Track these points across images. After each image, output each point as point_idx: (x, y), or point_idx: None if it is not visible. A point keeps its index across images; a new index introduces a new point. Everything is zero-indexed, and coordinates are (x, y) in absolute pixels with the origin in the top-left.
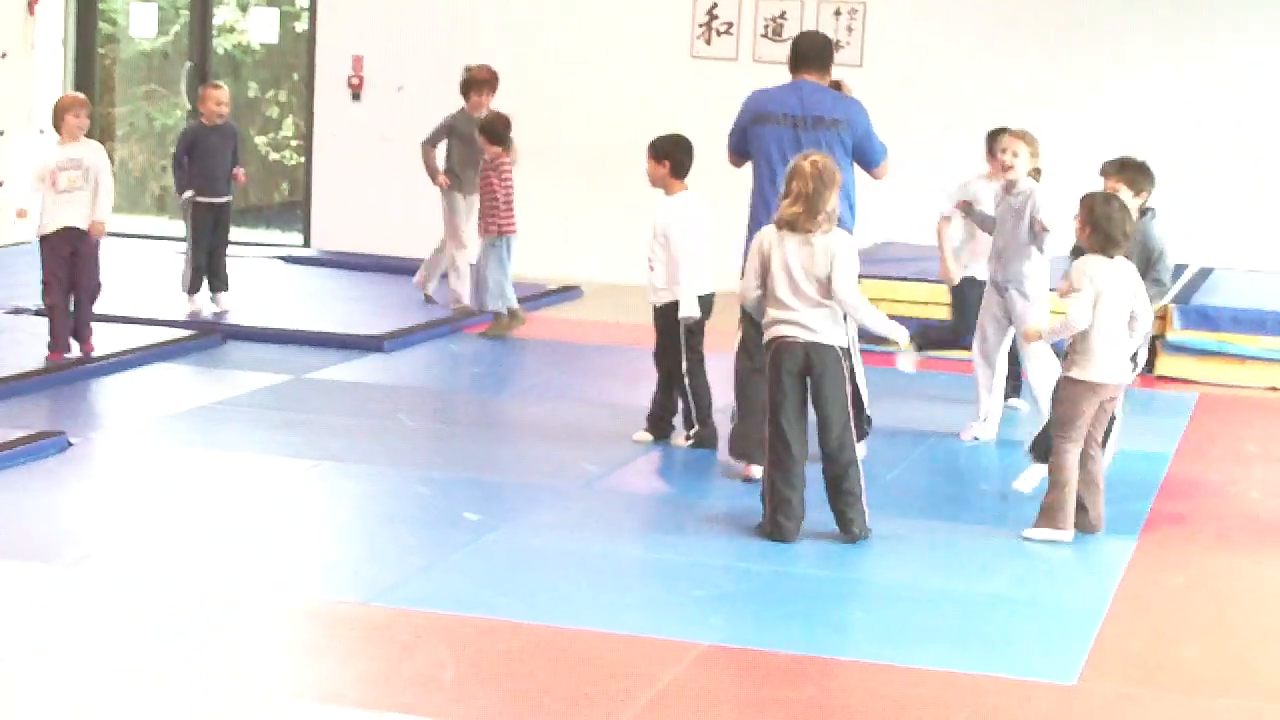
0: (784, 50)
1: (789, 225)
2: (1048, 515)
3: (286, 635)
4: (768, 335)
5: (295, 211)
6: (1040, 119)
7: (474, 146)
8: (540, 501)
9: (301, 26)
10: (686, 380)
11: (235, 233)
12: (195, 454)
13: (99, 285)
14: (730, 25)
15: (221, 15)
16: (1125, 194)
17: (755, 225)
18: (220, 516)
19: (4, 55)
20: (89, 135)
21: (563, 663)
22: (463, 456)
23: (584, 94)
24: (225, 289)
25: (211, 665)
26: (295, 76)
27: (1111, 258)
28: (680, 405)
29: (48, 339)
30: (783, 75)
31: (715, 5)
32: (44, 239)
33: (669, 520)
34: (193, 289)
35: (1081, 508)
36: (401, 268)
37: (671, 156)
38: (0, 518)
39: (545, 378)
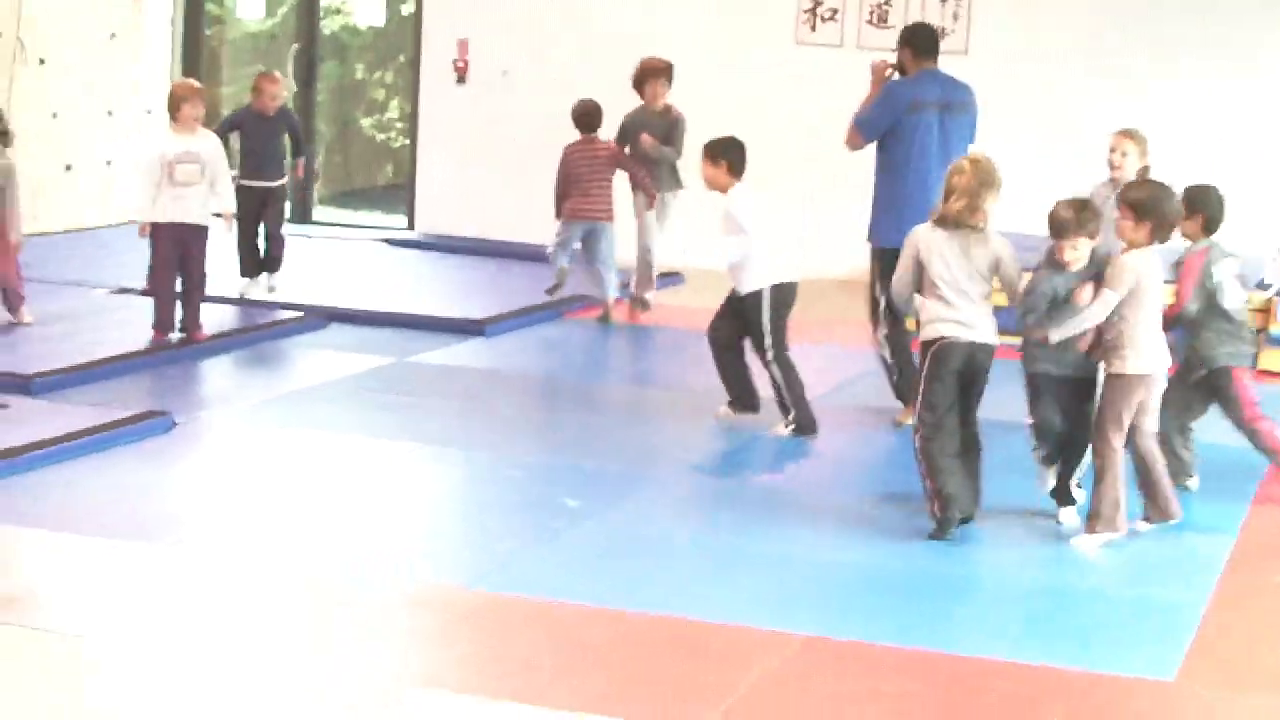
0: (889, 38)
1: (953, 222)
2: (1102, 518)
3: (386, 619)
4: (928, 334)
5: (399, 194)
6: (1144, 114)
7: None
8: (639, 488)
9: (408, 9)
10: (775, 368)
11: (340, 215)
12: (298, 436)
13: (205, 275)
14: (835, 12)
15: None
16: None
17: (894, 211)
18: (322, 499)
19: (113, 36)
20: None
21: (661, 650)
22: (563, 442)
23: (690, 79)
24: (276, 269)
25: (313, 648)
26: (401, 59)
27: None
28: (773, 393)
29: (152, 319)
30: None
31: None
32: (156, 227)
33: (767, 509)
34: (244, 272)
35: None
36: (504, 252)
37: (729, 156)
38: (106, 497)
39: (646, 364)
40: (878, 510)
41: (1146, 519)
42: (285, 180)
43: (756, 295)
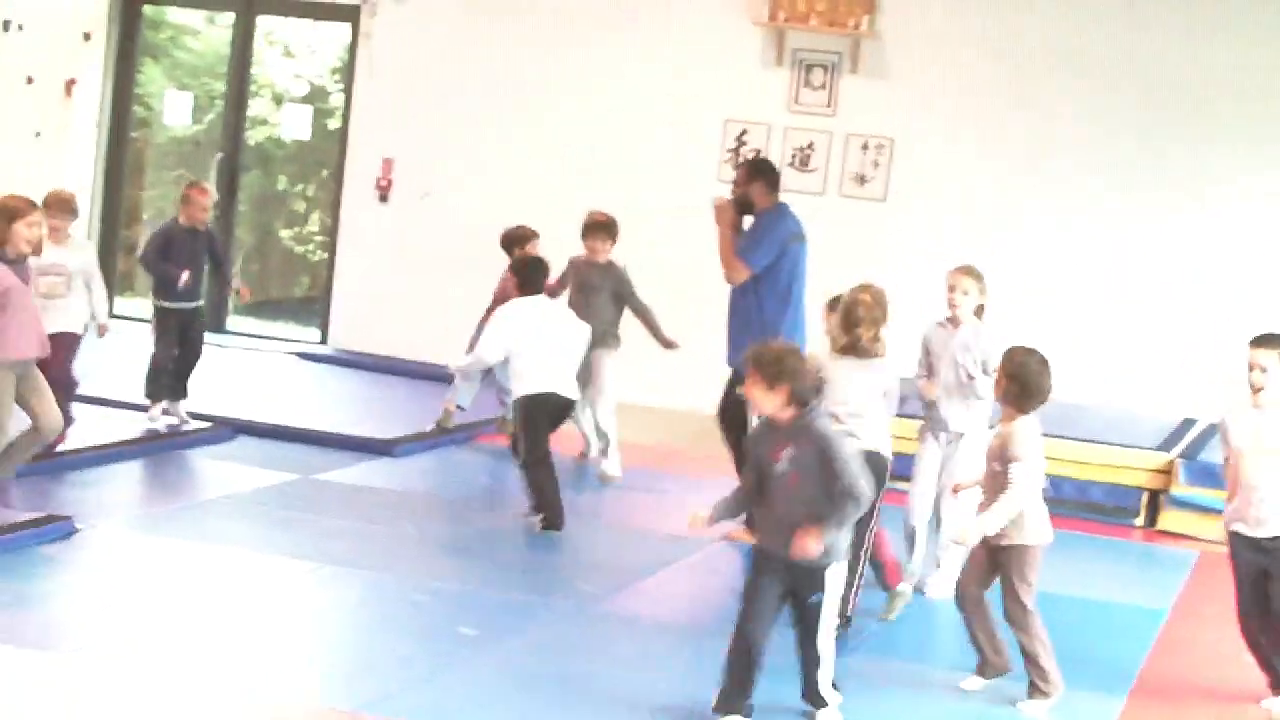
0: (812, 180)
1: (854, 351)
2: (1043, 683)
3: None
4: None
5: (314, 307)
6: (1062, 254)
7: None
8: (537, 619)
9: (334, 125)
10: (526, 473)
11: (254, 325)
12: (199, 549)
13: (74, 383)
14: (758, 152)
15: (256, 108)
16: None
17: (789, 338)
18: (217, 614)
19: (38, 134)
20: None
21: None
22: (465, 568)
23: (608, 208)
24: (185, 396)
25: None
26: (325, 173)
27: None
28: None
29: None
30: (806, 204)
31: (745, 132)
32: None
33: (665, 649)
34: (152, 394)
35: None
36: (417, 372)
37: (521, 274)
38: (3, 600)
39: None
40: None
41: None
42: (201, 303)
43: (518, 402)
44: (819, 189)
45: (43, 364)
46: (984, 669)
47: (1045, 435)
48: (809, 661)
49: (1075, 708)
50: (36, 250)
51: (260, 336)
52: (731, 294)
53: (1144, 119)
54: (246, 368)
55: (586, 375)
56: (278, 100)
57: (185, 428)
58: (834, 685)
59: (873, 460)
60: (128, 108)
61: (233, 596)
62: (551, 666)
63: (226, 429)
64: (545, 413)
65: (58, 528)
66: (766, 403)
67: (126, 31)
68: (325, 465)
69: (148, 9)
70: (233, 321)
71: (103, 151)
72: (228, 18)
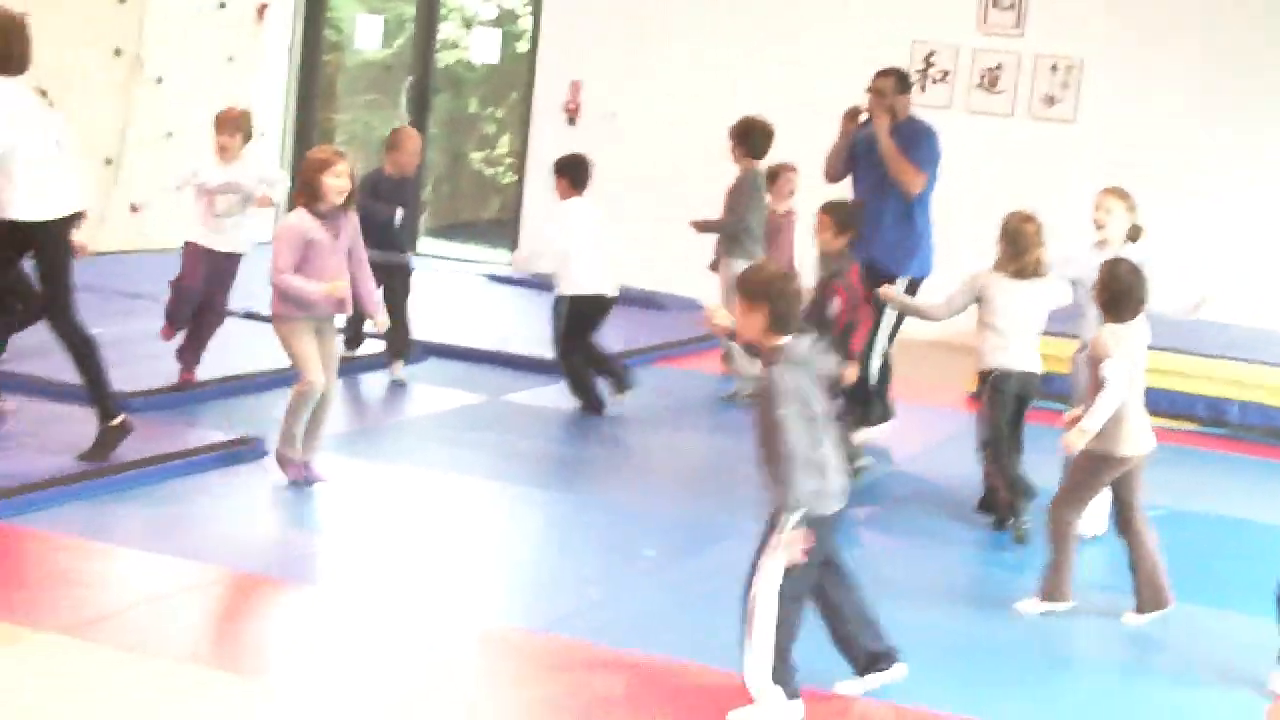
0: (999, 102)
1: (1021, 273)
2: (1049, 587)
3: (458, 660)
4: (990, 364)
5: (505, 229)
6: (1257, 175)
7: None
8: (722, 538)
9: (523, 48)
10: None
11: (446, 248)
12: (386, 469)
13: (225, 311)
14: (946, 74)
15: (445, 31)
16: None
17: (929, 243)
18: (404, 534)
19: (230, 59)
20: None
21: (733, 704)
22: (649, 487)
23: (793, 131)
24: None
25: (383, 686)
26: (514, 96)
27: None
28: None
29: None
30: (994, 125)
31: (932, 54)
32: (190, 245)
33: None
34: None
35: (1154, 584)
36: None
37: (568, 173)
38: (194, 522)
39: (744, 414)
40: (962, 577)
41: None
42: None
43: (560, 300)
44: (1007, 110)
45: (216, 286)
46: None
47: (1233, 359)
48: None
49: (1264, 635)
50: (348, 202)
51: (451, 259)
52: (863, 196)
53: None
54: (437, 289)
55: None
56: (467, 24)
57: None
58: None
59: (1027, 379)
60: (319, 32)
61: (420, 517)
62: (733, 588)
63: (418, 349)
64: (586, 313)
65: (247, 450)
66: (747, 325)
67: None
68: (514, 386)
69: None
70: (424, 244)
71: (294, 76)
72: None
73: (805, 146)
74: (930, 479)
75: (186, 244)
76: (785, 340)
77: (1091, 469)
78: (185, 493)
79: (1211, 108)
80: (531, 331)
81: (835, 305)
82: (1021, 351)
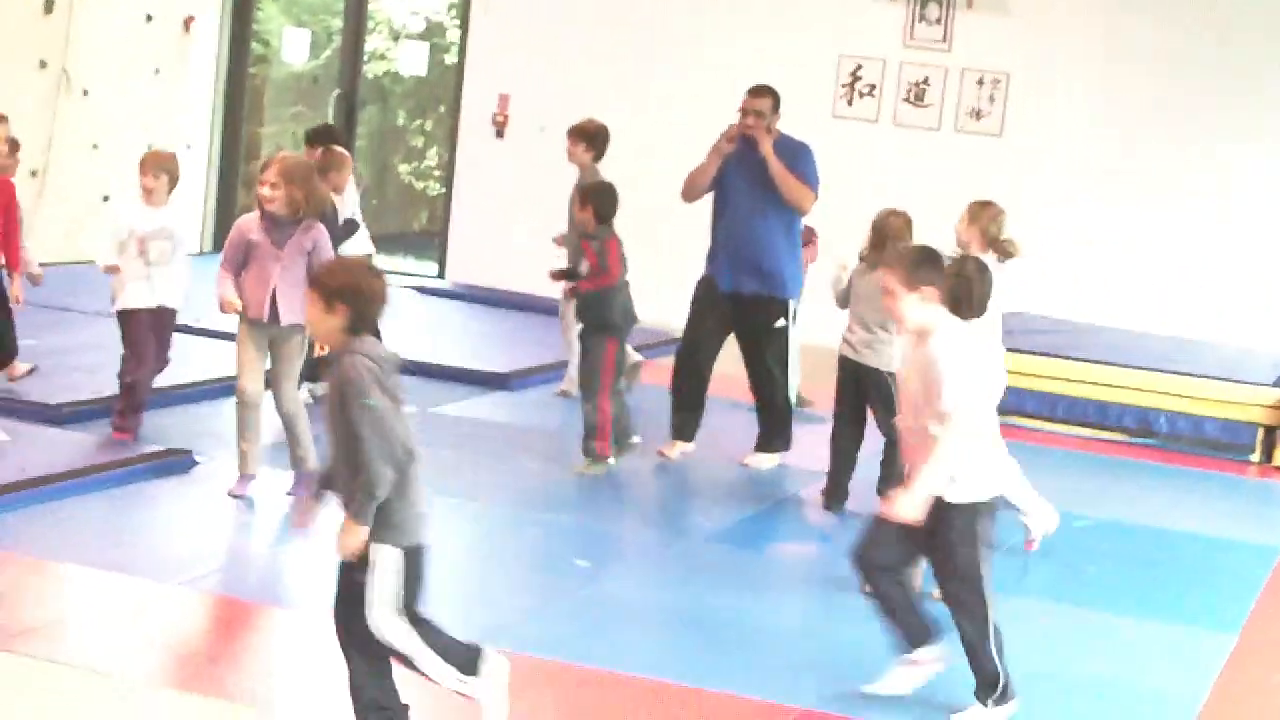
0: (925, 116)
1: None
2: None
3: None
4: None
5: (432, 241)
6: (1181, 189)
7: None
8: (650, 553)
9: (451, 60)
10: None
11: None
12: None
13: (166, 363)
14: (873, 88)
15: (373, 44)
16: None
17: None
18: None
19: (157, 71)
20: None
21: (661, 717)
22: (579, 501)
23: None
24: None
25: (310, 693)
26: (442, 109)
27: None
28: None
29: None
30: (921, 139)
31: (859, 67)
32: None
33: (776, 579)
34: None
35: None
36: (532, 305)
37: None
38: (126, 534)
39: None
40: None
41: None
42: None
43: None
44: (934, 124)
45: (157, 340)
46: None
47: (1160, 371)
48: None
49: (1187, 644)
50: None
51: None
52: (738, 219)
53: (1267, 53)
54: None
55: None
56: (395, 36)
57: None
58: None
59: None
60: (246, 44)
61: None
62: (665, 599)
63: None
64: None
65: (177, 462)
66: (321, 325)
67: None
68: (442, 398)
69: None
70: None
71: (221, 88)
72: None
73: None
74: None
75: (125, 316)
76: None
77: None
78: (114, 504)
79: (1136, 119)
80: (460, 343)
81: (584, 265)
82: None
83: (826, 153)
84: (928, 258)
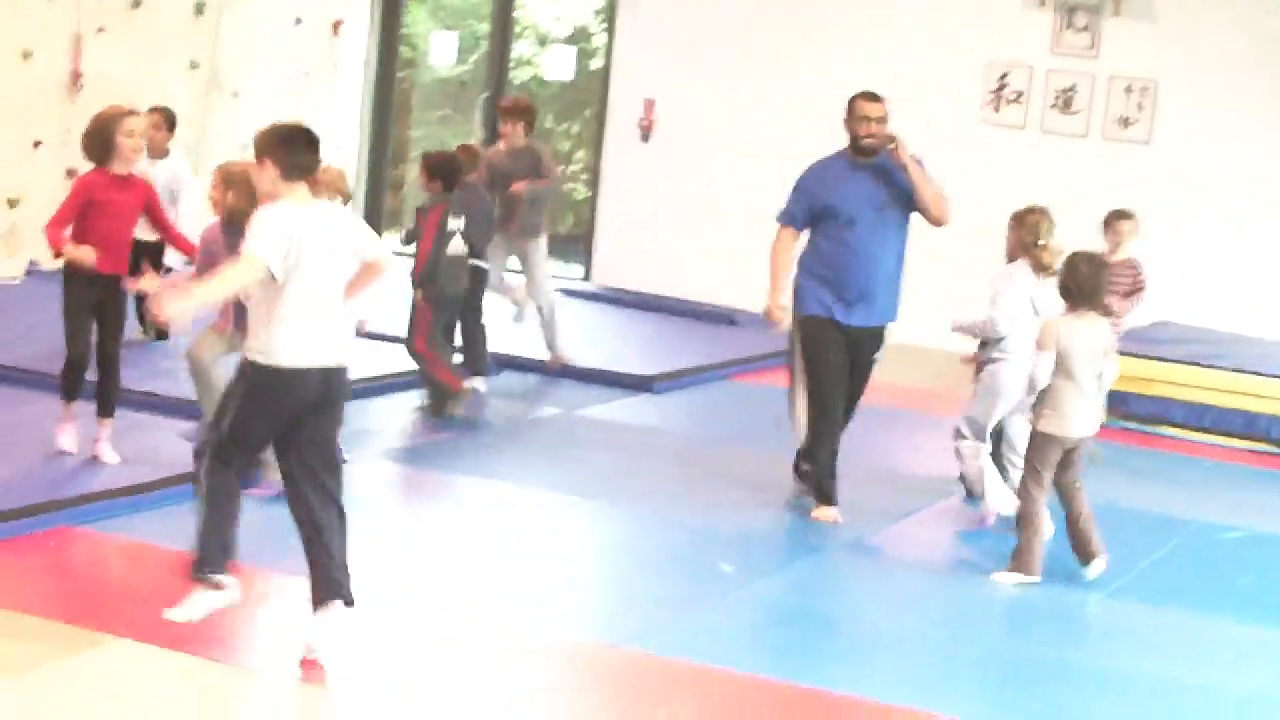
0: (1072, 123)
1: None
2: (1018, 560)
3: (534, 673)
4: None
5: (578, 244)
6: None
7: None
8: (797, 558)
9: (597, 65)
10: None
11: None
12: (461, 481)
13: None
14: (1020, 95)
15: (520, 48)
16: None
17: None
18: (478, 547)
19: (307, 73)
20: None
21: None
22: (724, 503)
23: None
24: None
25: (459, 699)
26: (588, 113)
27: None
28: None
29: None
30: (1069, 146)
31: (1006, 74)
32: None
33: (925, 590)
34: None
35: (1089, 543)
36: (677, 309)
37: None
38: (281, 532)
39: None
40: (1043, 599)
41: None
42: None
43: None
44: (1082, 132)
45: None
46: None
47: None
48: None
49: None
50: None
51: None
52: (869, 240)
53: None
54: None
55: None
56: (541, 40)
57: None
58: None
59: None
60: (394, 48)
61: (494, 530)
62: (808, 604)
63: (492, 363)
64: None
65: None
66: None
67: None
68: (586, 401)
69: None
70: None
71: (369, 91)
72: None
73: None
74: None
75: None
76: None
77: (1039, 448)
78: (259, 499)
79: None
80: (605, 346)
81: (420, 231)
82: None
83: (972, 159)
84: None
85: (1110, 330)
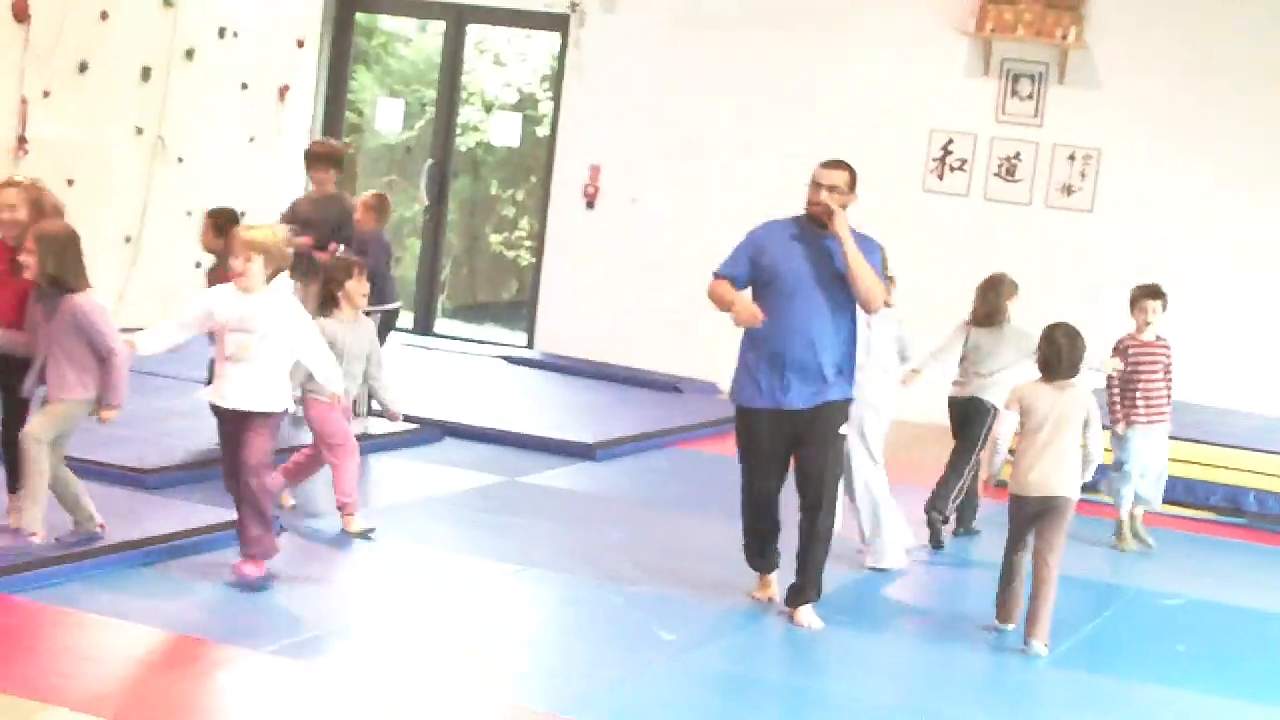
0: (1016, 191)
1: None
2: (999, 609)
3: None
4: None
5: (522, 311)
6: (1264, 272)
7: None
8: (735, 625)
9: (543, 132)
10: None
11: (464, 329)
12: (402, 548)
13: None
14: (964, 162)
15: (466, 115)
16: None
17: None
18: (417, 612)
19: (252, 139)
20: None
21: None
22: (663, 572)
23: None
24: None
25: None
26: (533, 179)
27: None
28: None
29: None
30: (1012, 214)
31: (951, 141)
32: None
33: (862, 656)
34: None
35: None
36: (620, 376)
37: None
38: (219, 602)
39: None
40: (984, 661)
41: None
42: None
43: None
44: (1025, 199)
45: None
46: None
47: (1250, 449)
48: None
49: None
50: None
51: (468, 340)
52: (809, 314)
53: None
54: (455, 370)
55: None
56: (488, 107)
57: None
58: None
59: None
60: (340, 114)
61: (434, 596)
62: (749, 672)
63: (434, 430)
64: None
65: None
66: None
67: (340, 38)
68: (530, 468)
69: (361, 16)
70: (441, 325)
71: None
72: (439, 26)
73: None
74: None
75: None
76: None
77: (1011, 509)
78: (209, 568)
79: (1229, 192)
80: (547, 413)
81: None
82: None
83: (916, 226)
84: None
85: (1090, 398)
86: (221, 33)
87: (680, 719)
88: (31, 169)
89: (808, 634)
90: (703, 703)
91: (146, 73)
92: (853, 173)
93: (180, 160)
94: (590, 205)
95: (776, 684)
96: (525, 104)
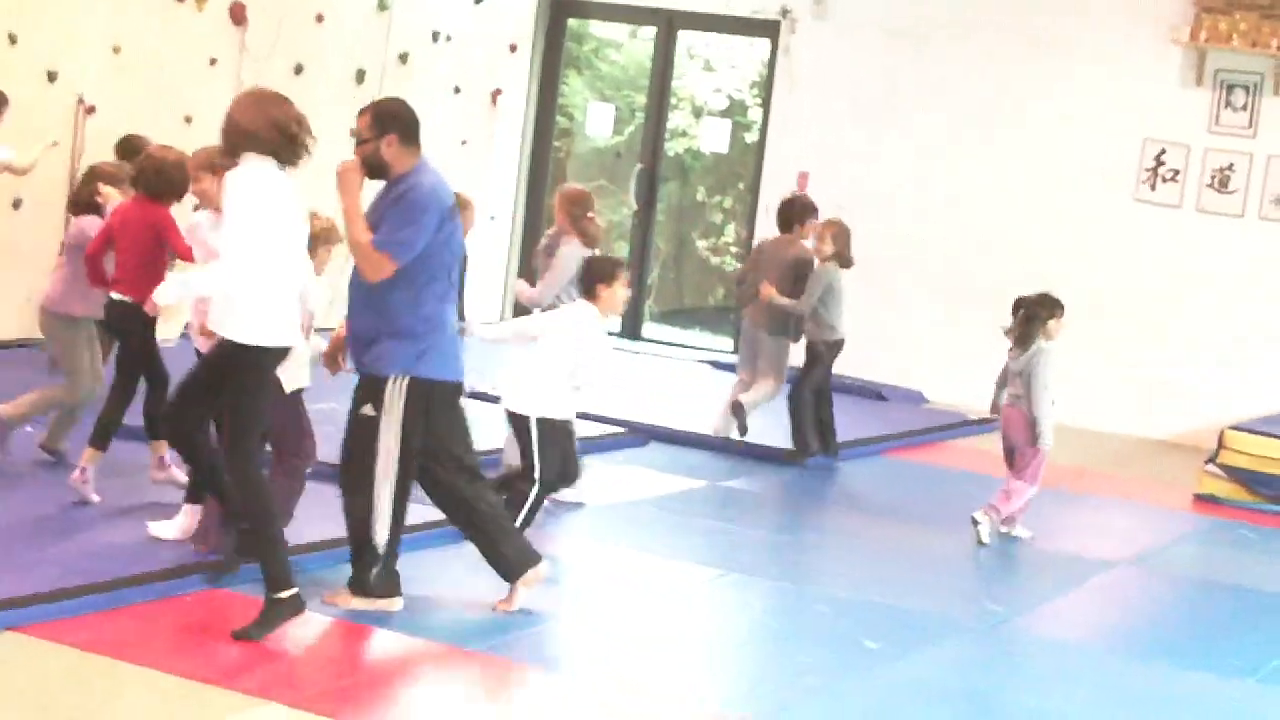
0: (1231, 202)
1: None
2: None
3: None
4: None
5: (727, 316)
6: None
7: None
8: (942, 635)
9: (752, 138)
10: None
11: (670, 333)
12: (605, 551)
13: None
14: (1176, 173)
15: (675, 120)
16: None
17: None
18: (620, 617)
19: (464, 142)
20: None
21: None
22: (872, 578)
23: (1023, 224)
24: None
25: None
26: (741, 185)
27: None
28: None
29: None
30: (1225, 225)
31: (1163, 151)
32: None
33: (1073, 671)
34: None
35: None
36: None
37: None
38: (410, 595)
39: (970, 505)
40: (1189, 680)
41: None
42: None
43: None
44: (1238, 211)
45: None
46: None
47: None
48: None
49: None
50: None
51: (674, 344)
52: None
53: None
54: (660, 374)
55: None
56: (697, 113)
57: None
58: None
59: None
60: (551, 118)
61: (636, 600)
62: (955, 683)
63: (640, 435)
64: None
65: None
66: None
67: (551, 44)
68: (733, 473)
69: (572, 22)
70: (648, 328)
71: (526, 160)
72: (650, 32)
73: (1033, 239)
74: (1153, 580)
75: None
76: None
77: None
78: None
79: None
80: (751, 419)
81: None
82: None
83: (1128, 236)
84: None
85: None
86: (435, 37)
87: None
88: None
89: (1020, 647)
90: (905, 712)
91: (361, 75)
92: (376, 113)
93: None
94: None
95: (981, 695)
96: (734, 110)
